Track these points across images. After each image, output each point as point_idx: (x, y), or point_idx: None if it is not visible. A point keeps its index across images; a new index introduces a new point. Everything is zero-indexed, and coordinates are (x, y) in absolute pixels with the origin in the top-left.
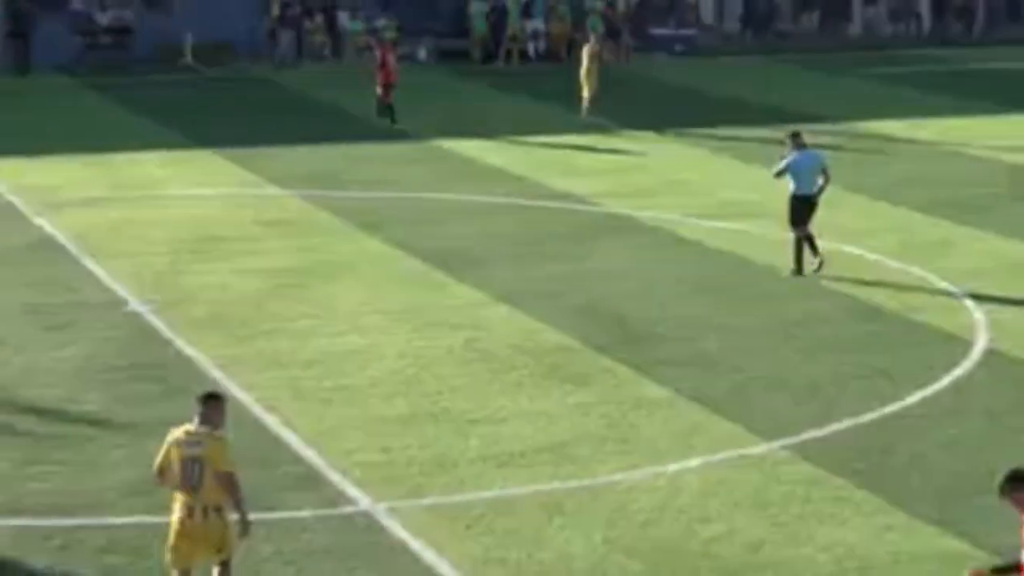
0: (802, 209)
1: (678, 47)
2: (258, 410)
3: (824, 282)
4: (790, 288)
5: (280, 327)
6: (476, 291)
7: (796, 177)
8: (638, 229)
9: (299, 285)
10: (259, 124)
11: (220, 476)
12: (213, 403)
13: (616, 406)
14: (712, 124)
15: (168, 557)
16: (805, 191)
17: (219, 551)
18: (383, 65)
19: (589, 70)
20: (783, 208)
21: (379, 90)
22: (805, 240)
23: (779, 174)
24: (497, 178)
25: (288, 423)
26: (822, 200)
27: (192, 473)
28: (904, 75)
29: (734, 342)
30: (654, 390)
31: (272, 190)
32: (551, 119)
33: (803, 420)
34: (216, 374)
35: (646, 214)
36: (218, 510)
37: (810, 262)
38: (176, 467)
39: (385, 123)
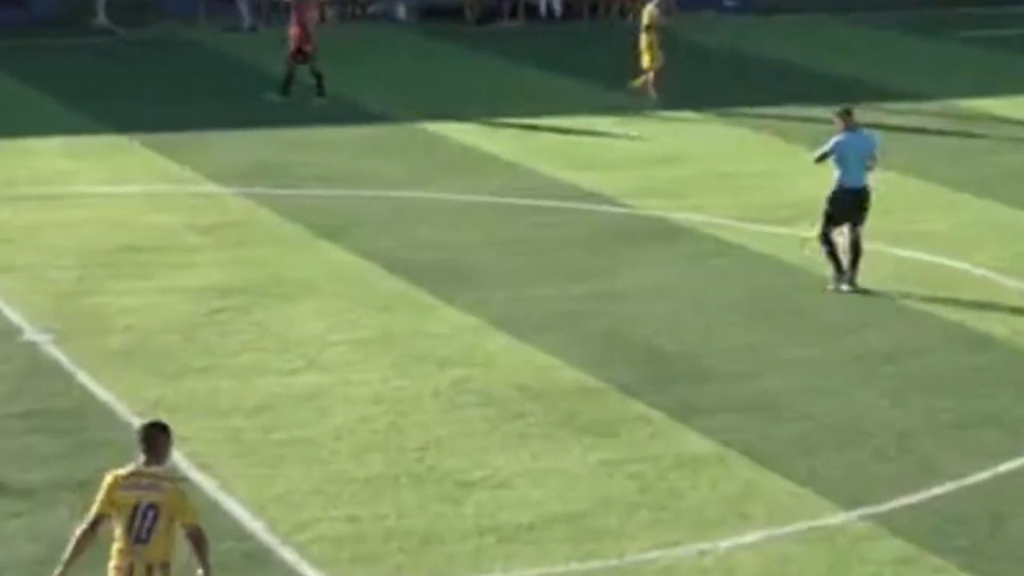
0: (849, 205)
1: (729, 2)
2: (190, 469)
3: (913, 303)
4: (869, 311)
5: (218, 363)
6: (470, 316)
7: (842, 163)
8: (675, 235)
9: (242, 309)
10: (192, 103)
11: (186, 530)
12: (159, 435)
13: (651, 464)
14: (767, 101)
15: None
16: (852, 182)
17: None
18: (299, 24)
19: (650, 40)
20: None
21: (293, 57)
22: (822, 241)
23: (821, 158)
24: (496, 171)
25: (228, 486)
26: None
27: (143, 523)
28: (1015, 39)
29: (800, 380)
30: (698, 443)
31: (208, 187)
32: (566, 97)
33: (890, 482)
34: (135, 423)
35: (685, 216)
36: (165, 567)
37: (831, 279)
38: (120, 515)
39: (313, 101)
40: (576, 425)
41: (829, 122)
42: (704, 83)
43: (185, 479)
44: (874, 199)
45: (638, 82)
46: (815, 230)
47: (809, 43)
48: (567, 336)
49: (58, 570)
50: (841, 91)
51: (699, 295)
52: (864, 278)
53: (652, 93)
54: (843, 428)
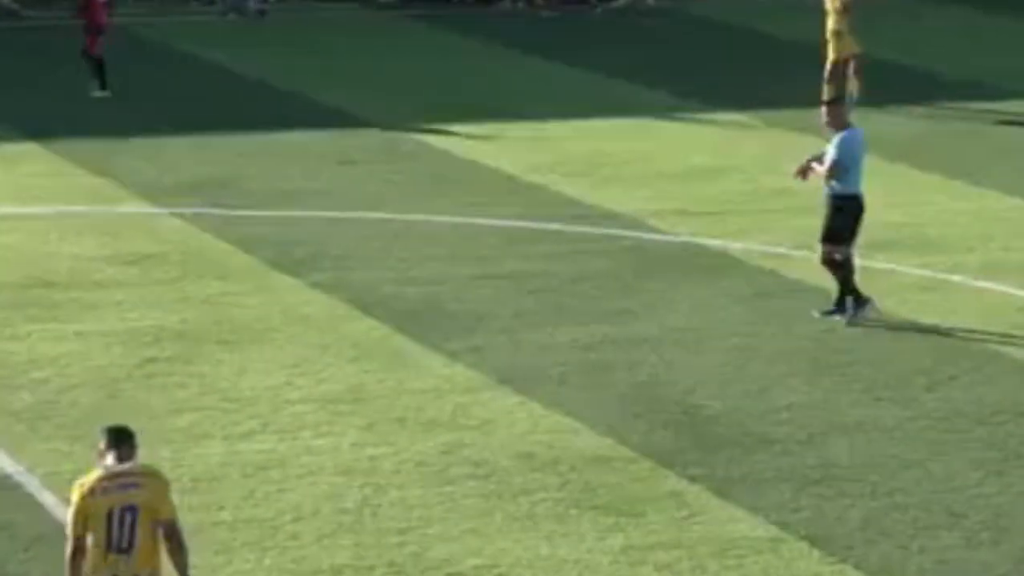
0: (857, 217)
1: None
2: None
3: (1011, 351)
4: (957, 361)
5: (151, 426)
6: (464, 368)
7: (854, 165)
8: (716, 267)
9: (180, 358)
10: (115, 101)
11: (162, 527)
12: (127, 437)
13: (686, 552)
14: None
15: None
16: (856, 188)
17: None
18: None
19: (839, 29)
20: (940, 233)
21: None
22: (838, 268)
23: (834, 169)
24: (495, 188)
25: None
26: None
27: (122, 529)
28: None
29: (872, 448)
30: (746, 525)
31: (136, 207)
32: (583, 96)
33: (983, 571)
34: (46, 500)
35: (728, 244)
36: None
37: (822, 308)
38: (93, 525)
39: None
40: (594, 503)
41: (913, 125)
42: (755, 79)
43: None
44: (933, 219)
45: (853, 86)
46: (827, 254)
47: (885, 28)
48: (583, 392)
49: None
50: (924, 86)
51: (746, 342)
52: (950, 320)
53: (852, 88)
54: (926, 507)
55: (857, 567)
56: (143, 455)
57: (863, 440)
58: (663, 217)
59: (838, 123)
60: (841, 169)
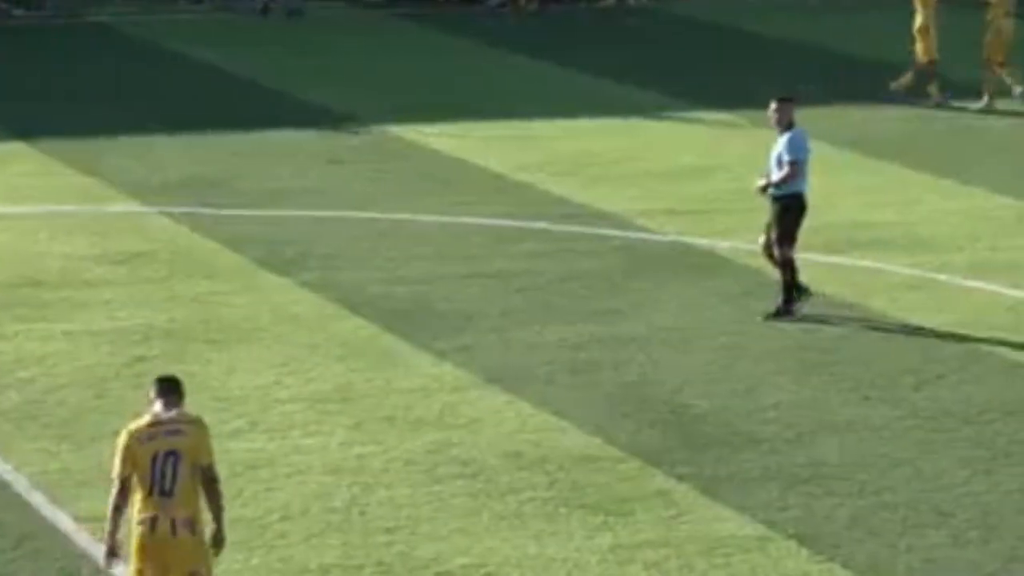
0: (802, 215)
1: None
2: (102, 557)
3: (999, 350)
4: (945, 360)
5: None
6: (453, 367)
7: (804, 166)
8: (704, 267)
9: (168, 357)
10: (103, 101)
11: (200, 471)
12: (174, 385)
13: (674, 550)
14: (827, 100)
15: None
16: (803, 187)
17: None
18: None
19: (926, 25)
20: (929, 232)
21: None
22: (790, 267)
23: (795, 168)
24: (484, 187)
25: None
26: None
27: (164, 473)
28: None
29: (859, 447)
30: (734, 524)
31: (125, 206)
32: (571, 95)
33: (971, 572)
34: (34, 499)
35: (715, 243)
36: (191, 525)
37: (767, 310)
38: (139, 470)
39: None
40: (582, 502)
41: (911, 126)
42: (746, 77)
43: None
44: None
45: (904, 81)
46: (784, 254)
47: (886, 26)
48: (571, 391)
49: (106, 543)
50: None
51: (734, 341)
52: (939, 319)
53: (934, 91)
54: (914, 506)
55: (845, 566)
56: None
57: (851, 439)
58: (651, 216)
59: (785, 121)
60: (801, 167)
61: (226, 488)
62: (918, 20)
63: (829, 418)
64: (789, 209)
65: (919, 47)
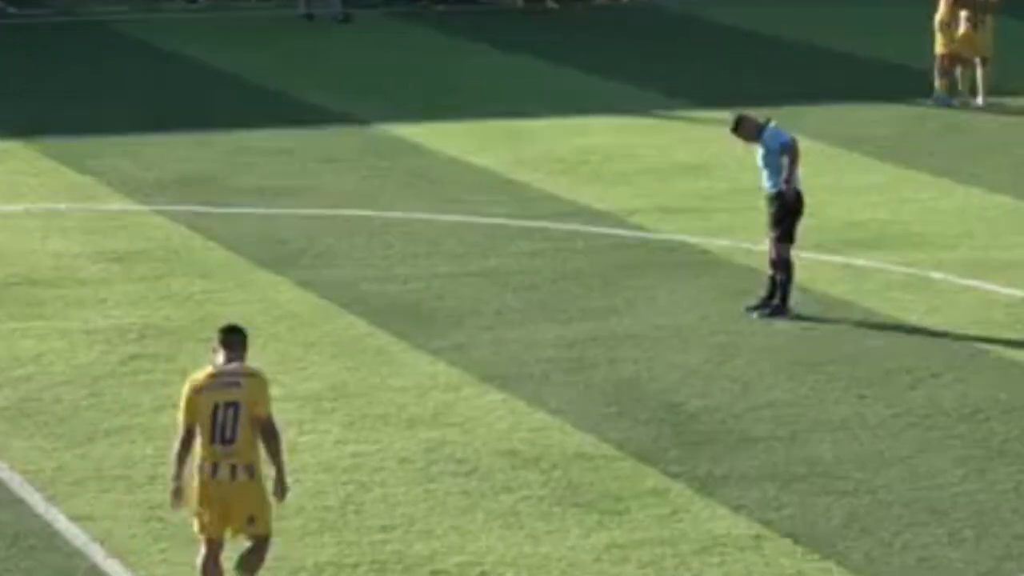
0: (798, 213)
1: None
2: (97, 555)
3: (996, 349)
4: (941, 359)
5: (134, 423)
6: (447, 365)
7: (795, 162)
8: (700, 265)
9: (164, 355)
10: (100, 99)
11: (258, 422)
12: (237, 336)
13: (669, 548)
14: (824, 97)
15: (195, 524)
16: (796, 185)
17: (252, 522)
18: None
19: (946, 21)
20: (924, 231)
21: None
22: (780, 265)
23: (793, 151)
24: (479, 185)
25: None
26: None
27: (224, 422)
28: None
29: (855, 445)
30: (729, 522)
31: (121, 204)
32: (567, 93)
33: (967, 571)
34: (30, 498)
35: (711, 241)
36: (250, 470)
37: (749, 302)
38: (201, 419)
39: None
40: (577, 501)
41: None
42: (741, 75)
43: (265, 376)
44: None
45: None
46: (770, 250)
47: (885, 33)
48: (566, 390)
49: (171, 487)
50: (916, 86)
51: (729, 339)
52: (935, 318)
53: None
54: (909, 504)
55: (840, 564)
56: (126, 451)
57: (846, 437)
58: (646, 214)
59: (753, 134)
60: (795, 151)
61: None
62: (940, 14)
63: (824, 417)
64: (785, 207)
65: (938, 41)
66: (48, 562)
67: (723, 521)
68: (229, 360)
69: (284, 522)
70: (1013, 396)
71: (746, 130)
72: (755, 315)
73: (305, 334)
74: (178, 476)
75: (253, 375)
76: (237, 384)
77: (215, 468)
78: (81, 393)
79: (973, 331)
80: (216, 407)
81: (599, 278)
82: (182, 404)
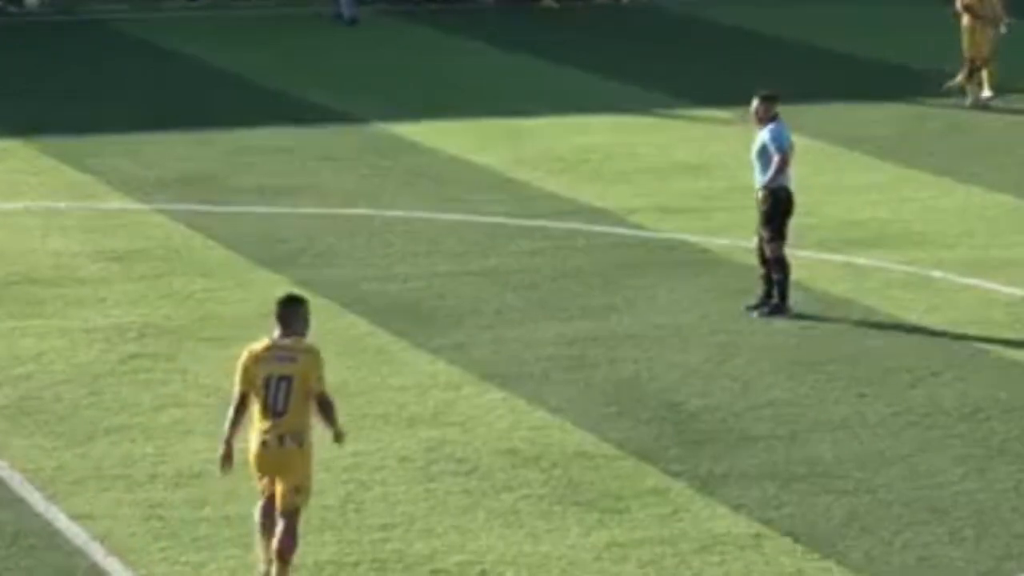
0: (788, 212)
1: None
2: (97, 554)
3: (996, 348)
4: (941, 358)
5: (133, 422)
6: (447, 364)
7: (787, 161)
8: (700, 264)
9: (164, 354)
10: (98, 98)
11: (314, 396)
12: (295, 308)
13: (669, 547)
14: (824, 97)
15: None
16: (790, 183)
17: (297, 491)
18: None
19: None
20: (924, 229)
21: None
22: (775, 264)
23: (784, 162)
24: (479, 184)
25: None
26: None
27: (276, 394)
28: None
29: (855, 444)
30: (730, 521)
31: (121, 203)
32: (567, 92)
33: (967, 570)
34: (30, 497)
35: (711, 240)
36: (299, 439)
37: (749, 302)
38: (255, 389)
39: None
40: (577, 499)
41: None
42: (740, 73)
43: (319, 352)
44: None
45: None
46: (779, 249)
47: (887, 32)
48: (566, 389)
49: (221, 449)
50: (917, 85)
51: (729, 338)
52: (935, 317)
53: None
54: (909, 503)
55: (840, 563)
56: (126, 450)
57: (846, 436)
58: (646, 213)
59: (768, 117)
60: (787, 159)
61: (221, 485)
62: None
63: (824, 416)
64: (776, 206)
65: (966, 43)
66: (48, 561)
67: (723, 520)
68: (286, 333)
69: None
70: (1013, 395)
71: (768, 109)
72: (755, 314)
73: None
74: (228, 439)
75: (309, 351)
76: (293, 359)
77: (265, 437)
78: (81, 392)
79: (973, 330)
80: (269, 378)
81: (599, 277)
82: (238, 371)
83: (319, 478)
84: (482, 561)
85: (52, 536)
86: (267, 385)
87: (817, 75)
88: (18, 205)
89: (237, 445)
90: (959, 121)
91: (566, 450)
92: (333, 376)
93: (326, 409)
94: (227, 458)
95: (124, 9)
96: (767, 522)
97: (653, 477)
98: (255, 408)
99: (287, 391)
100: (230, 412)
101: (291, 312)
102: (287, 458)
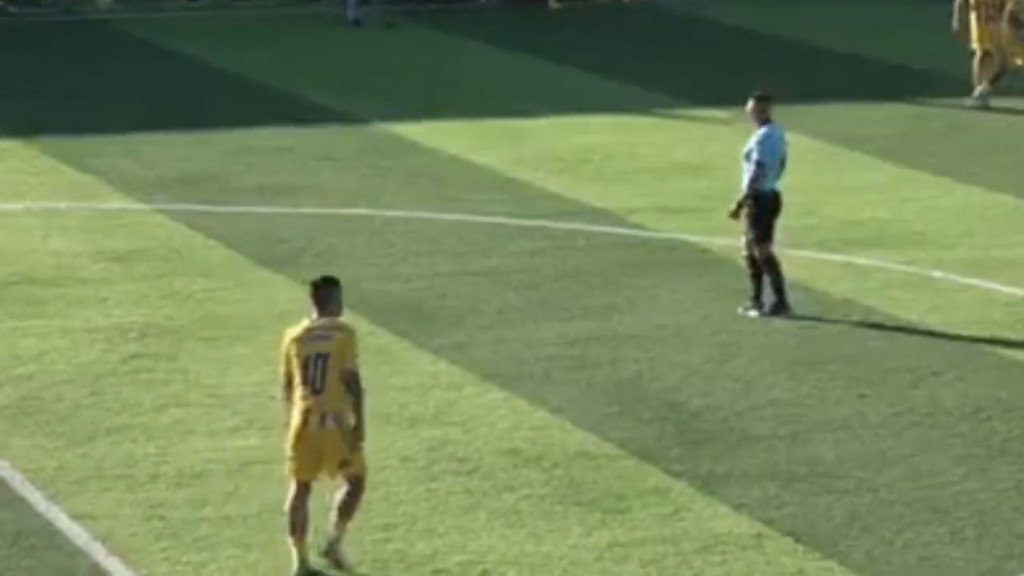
0: (775, 213)
1: None
2: (98, 554)
3: (997, 348)
4: (942, 358)
5: (134, 422)
6: (448, 364)
7: (769, 163)
8: (700, 264)
9: (165, 355)
10: (99, 98)
11: (343, 373)
12: (329, 290)
13: (671, 547)
14: (824, 97)
15: (287, 467)
16: (775, 185)
17: (345, 465)
18: None
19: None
20: (924, 229)
21: None
22: (766, 265)
23: (760, 169)
24: (480, 184)
25: None
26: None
27: (315, 373)
28: None
29: (856, 444)
30: (731, 521)
31: (122, 203)
32: (567, 92)
33: (968, 570)
34: (31, 497)
35: (711, 240)
36: (338, 418)
37: (744, 305)
38: (296, 369)
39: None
40: (578, 499)
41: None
42: (741, 73)
43: (354, 330)
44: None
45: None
46: (748, 249)
47: (887, 32)
48: (568, 389)
49: (286, 431)
50: (917, 85)
51: (731, 338)
52: (935, 317)
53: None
54: (910, 503)
55: (841, 563)
56: (127, 450)
57: (847, 436)
58: (646, 213)
59: (763, 118)
60: (766, 170)
61: (222, 486)
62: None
63: (825, 416)
64: (763, 208)
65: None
66: (49, 561)
67: (725, 520)
68: (322, 314)
69: (284, 520)
70: (1014, 395)
71: (762, 110)
72: (754, 313)
73: None
74: (288, 422)
75: (343, 329)
76: (328, 337)
77: (307, 416)
78: (82, 392)
79: (974, 330)
80: (308, 359)
81: (600, 277)
82: (281, 355)
83: (320, 478)
84: (483, 561)
85: (53, 536)
86: (306, 365)
87: (817, 75)
88: (19, 205)
89: (238, 444)
90: (959, 121)
91: (567, 450)
92: None
93: (351, 388)
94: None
95: (124, 9)
96: (768, 522)
97: (654, 477)
98: (296, 389)
99: (324, 368)
100: (280, 396)
101: (326, 293)
102: (327, 439)
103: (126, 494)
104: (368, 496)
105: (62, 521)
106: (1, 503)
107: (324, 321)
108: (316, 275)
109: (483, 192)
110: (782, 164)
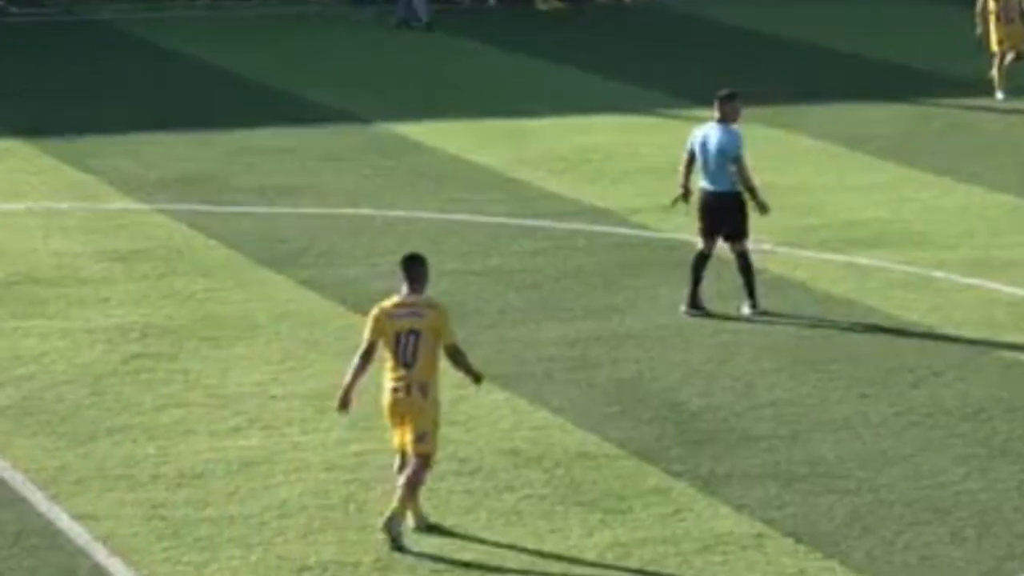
0: (710, 213)
1: None
2: (100, 554)
3: (998, 349)
4: (942, 358)
5: (136, 422)
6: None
7: (701, 162)
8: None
9: (166, 354)
10: (100, 98)
11: (445, 349)
12: (419, 266)
13: (672, 547)
14: (825, 97)
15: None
16: (708, 185)
17: (421, 439)
18: None
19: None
20: (925, 229)
21: None
22: (702, 260)
23: (742, 163)
24: (481, 183)
25: None
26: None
27: (406, 348)
28: None
29: (857, 444)
30: (732, 521)
31: (123, 203)
32: (568, 92)
33: (969, 569)
34: (32, 497)
35: None
36: (424, 389)
37: (742, 307)
38: (387, 343)
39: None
40: (579, 499)
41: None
42: (741, 73)
43: (446, 308)
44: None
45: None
46: (742, 250)
47: (888, 32)
48: (569, 389)
49: (341, 393)
50: (918, 85)
51: (732, 338)
52: (936, 317)
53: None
54: (911, 503)
55: (842, 563)
56: (128, 450)
57: (848, 436)
58: (648, 213)
59: (735, 117)
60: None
61: (223, 486)
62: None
63: (826, 415)
64: (742, 205)
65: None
66: (50, 561)
67: (725, 520)
68: (413, 289)
69: (287, 520)
70: (1015, 395)
71: (733, 110)
72: (752, 312)
73: (308, 333)
74: (349, 386)
75: (434, 307)
76: (420, 315)
77: (395, 387)
78: (83, 392)
79: (975, 330)
80: (399, 334)
81: (601, 277)
82: (368, 323)
83: (321, 477)
84: (485, 561)
85: (54, 536)
86: (397, 340)
87: (818, 75)
88: (20, 206)
89: (239, 444)
90: (960, 121)
91: (568, 450)
92: (336, 376)
93: (458, 358)
94: (345, 404)
95: (125, 9)
96: (769, 522)
97: (655, 477)
98: (387, 362)
99: (415, 344)
100: (355, 360)
101: (416, 270)
102: (413, 407)
103: (127, 494)
104: (368, 496)
105: (63, 521)
106: (2, 503)
107: (415, 298)
108: (316, 275)
109: (484, 192)
110: (720, 165)
